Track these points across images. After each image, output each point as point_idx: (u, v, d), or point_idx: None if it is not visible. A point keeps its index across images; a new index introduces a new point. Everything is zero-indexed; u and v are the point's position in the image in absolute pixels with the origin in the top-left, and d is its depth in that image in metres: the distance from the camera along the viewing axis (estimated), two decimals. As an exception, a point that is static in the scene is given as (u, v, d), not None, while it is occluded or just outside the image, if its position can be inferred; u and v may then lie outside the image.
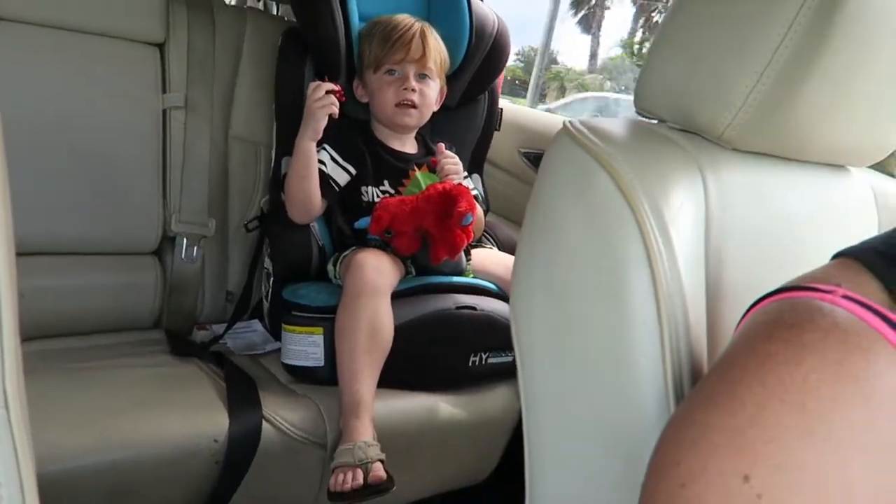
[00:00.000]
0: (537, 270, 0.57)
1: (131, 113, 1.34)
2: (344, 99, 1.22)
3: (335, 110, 1.20)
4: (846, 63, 0.54)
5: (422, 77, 1.28)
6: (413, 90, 1.27)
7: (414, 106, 1.27)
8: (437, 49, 1.30)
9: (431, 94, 1.30)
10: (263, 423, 1.02)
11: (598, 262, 0.51)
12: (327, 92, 1.20)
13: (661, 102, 0.62)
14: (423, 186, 1.27)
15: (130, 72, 1.34)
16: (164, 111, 1.37)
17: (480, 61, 1.43)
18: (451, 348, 1.18)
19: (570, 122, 0.60)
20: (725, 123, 0.57)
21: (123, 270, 1.35)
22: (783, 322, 0.39)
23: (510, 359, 1.15)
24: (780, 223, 0.59)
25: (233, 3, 2.33)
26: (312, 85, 1.22)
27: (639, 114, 0.67)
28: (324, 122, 1.20)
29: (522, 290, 0.59)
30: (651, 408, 0.48)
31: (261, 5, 2.18)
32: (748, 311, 0.45)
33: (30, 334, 1.27)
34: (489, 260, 1.31)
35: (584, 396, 0.52)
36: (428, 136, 1.41)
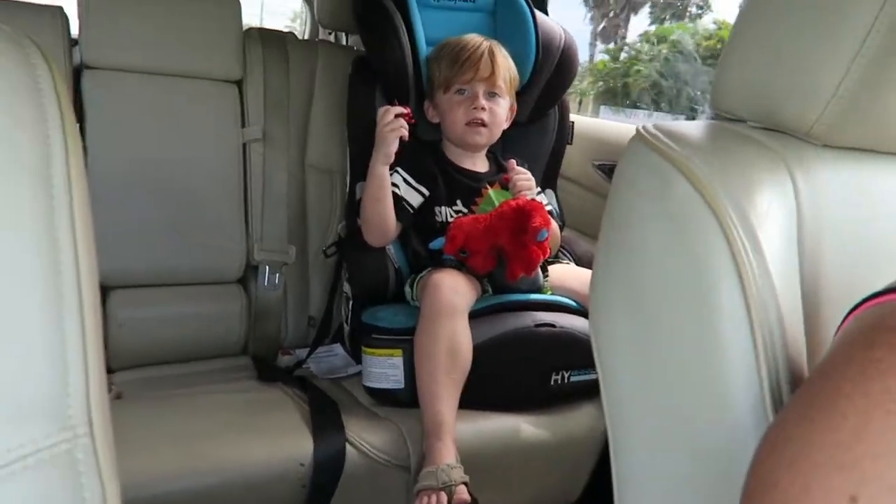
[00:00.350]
0: (616, 284, 0.55)
1: (214, 148, 1.40)
2: (413, 122, 1.23)
3: (405, 133, 1.21)
4: None
5: (491, 95, 1.28)
6: (483, 109, 1.26)
7: (484, 124, 1.27)
8: (505, 67, 1.29)
9: (501, 112, 1.30)
10: (347, 446, 1.03)
11: (681, 272, 0.49)
12: (396, 116, 1.21)
13: (741, 101, 0.59)
14: (496, 204, 1.26)
15: (212, 109, 1.41)
16: (244, 145, 1.43)
17: (549, 75, 1.41)
18: (532, 367, 1.15)
19: (643, 127, 0.58)
20: (814, 118, 0.53)
21: (211, 299, 1.40)
22: (885, 325, 0.36)
23: (594, 377, 1.12)
24: (880, 222, 0.55)
25: (306, 37, 2.42)
26: (381, 110, 1.23)
27: (716, 116, 0.64)
28: (395, 147, 1.21)
29: (601, 306, 0.57)
30: (747, 422, 0.45)
31: (332, 38, 2.25)
32: (847, 315, 0.42)
33: (128, 363, 1.34)
34: (567, 275, 1.28)
35: (674, 413, 0.49)
36: (499, 153, 1.40)
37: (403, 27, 1.33)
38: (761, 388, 0.44)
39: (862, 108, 0.52)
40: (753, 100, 0.58)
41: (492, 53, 1.27)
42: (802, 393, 0.38)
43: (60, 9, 1.33)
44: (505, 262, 1.16)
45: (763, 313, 0.45)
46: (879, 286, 0.41)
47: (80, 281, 0.36)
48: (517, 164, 1.37)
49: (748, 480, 0.37)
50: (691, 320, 0.48)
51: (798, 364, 0.47)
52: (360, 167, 1.36)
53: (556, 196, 1.50)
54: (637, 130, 0.58)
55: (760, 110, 0.57)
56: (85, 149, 1.33)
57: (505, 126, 1.34)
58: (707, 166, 0.50)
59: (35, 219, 0.35)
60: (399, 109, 1.21)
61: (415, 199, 1.26)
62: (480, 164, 1.34)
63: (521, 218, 1.13)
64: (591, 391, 1.19)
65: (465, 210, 1.28)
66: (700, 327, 0.47)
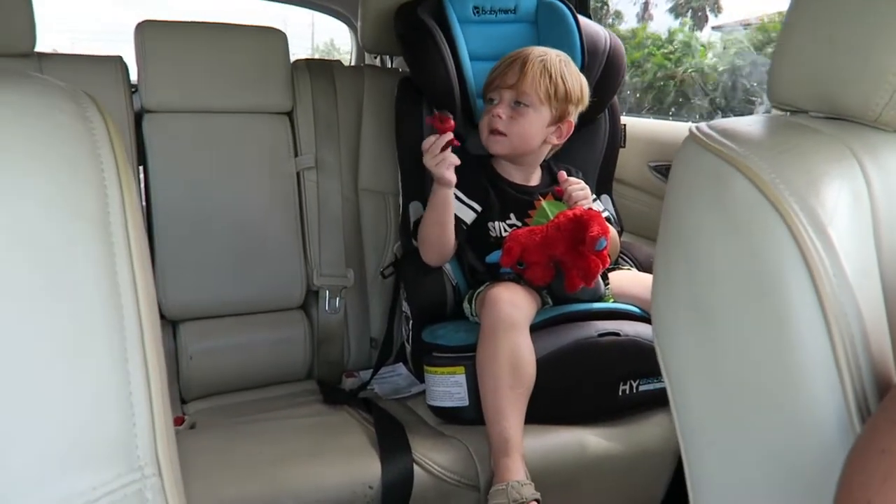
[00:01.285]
0: (678, 291, 0.52)
1: (269, 179, 1.44)
2: (458, 144, 1.17)
3: (455, 162, 1.16)
4: None
5: (517, 104, 1.23)
6: (499, 117, 1.22)
7: (500, 133, 1.23)
8: (539, 78, 1.22)
9: (526, 122, 1.23)
10: (415, 467, 1.02)
11: (746, 275, 0.46)
12: (442, 148, 1.15)
13: (800, 91, 0.56)
14: (550, 215, 1.24)
15: (265, 141, 1.44)
16: (298, 173, 1.46)
17: (596, 80, 1.39)
18: (598, 378, 1.13)
19: (696, 126, 0.56)
20: (882, 104, 0.50)
21: (275, 326, 1.43)
22: None
23: (664, 385, 1.08)
24: None
25: (352, 63, 2.47)
26: (425, 142, 1.17)
27: (775, 108, 0.62)
28: (449, 174, 1.16)
29: (664, 313, 0.54)
30: (831, 430, 0.42)
31: (377, 61, 2.28)
32: None
33: (199, 393, 1.37)
34: (628, 282, 1.25)
35: (748, 423, 0.47)
36: (553, 163, 1.38)
37: (446, 44, 1.33)
38: (845, 398, 0.42)
39: None
40: (813, 88, 0.55)
41: (525, 62, 1.22)
42: (893, 398, 0.35)
43: (120, 58, 1.40)
44: (564, 272, 1.14)
45: (841, 316, 0.42)
46: None
47: (143, 324, 0.37)
48: (570, 173, 1.35)
49: (839, 494, 0.35)
50: (762, 330, 0.45)
51: (884, 367, 0.43)
52: (411, 187, 1.37)
53: (613, 201, 1.47)
54: (690, 131, 0.56)
55: (822, 99, 0.55)
56: (148, 189, 1.39)
57: (554, 141, 1.29)
58: (767, 163, 0.48)
59: (97, 266, 0.36)
60: (443, 139, 1.15)
61: (467, 216, 1.26)
62: (533, 178, 1.32)
63: (579, 228, 1.11)
64: (661, 400, 1.14)
65: (519, 223, 1.26)
66: (772, 337, 0.44)
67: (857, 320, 0.43)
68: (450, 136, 1.16)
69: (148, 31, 1.37)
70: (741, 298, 0.47)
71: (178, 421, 1.25)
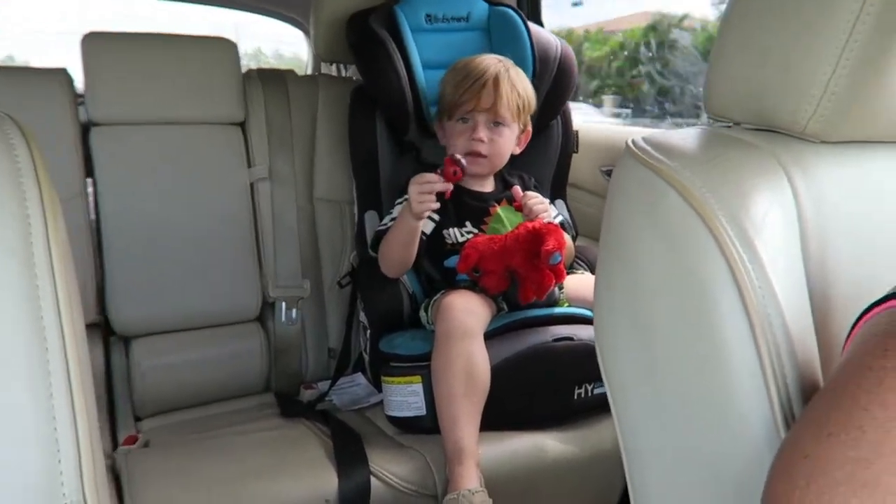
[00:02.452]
0: (617, 299, 0.54)
1: (222, 191, 1.42)
2: (449, 197, 1.17)
3: (434, 206, 1.15)
4: None
5: (494, 125, 1.25)
6: (482, 141, 1.24)
7: (482, 155, 1.25)
8: (510, 95, 1.24)
9: (504, 141, 1.26)
10: (372, 478, 1.02)
11: (679, 287, 0.47)
12: (438, 193, 1.14)
13: (732, 104, 0.58)
14: (506, 221, 1.25)
15: (217, 153, 1.43)
16: (251, 184, 1.44)
17: (548, 87, 1.41)
18: (554, 383, 1.14)
19: (632, 140, 0.57)
20: (808, 115, 0.52)
21: (231, 340, 1.41)
22: None
23: (617, 388, 1.10)
24: (885, 216, 0.53)
25: (309, 71, 2.45)
26: (424, 176, 1.15)
27: (710, 118, 0.63)
28: (427, 207, 1.15)
29: (605, 322, 0.55)
30: (759, 436, 0.44)
31: (333, 69, 2.27)
32: (857, 321, 0.40)
33: (153, 410, 1.35)
34: (583, 285, 1.26)
35: (683, 430, 0.48)
36: (506, 169, 1.39)
37: (398, 53, 1.33)
38: (771, 405, 0.43)
39: (856, 101, 0.50)
40: (745, 101, 0.57)
41: (496, 81, 1.22)
42: (817, 405, 0.37)
43: (65, 70, 1.36)
44: (518, 283, 1.15)
45: (766, 325, 0.44)
46: (890, 281, 0.39)
47: (69, 360, 0.36)
48: (525, 180, 1.37)
49: (765, 497, 0.36)
50: (693, 339, 0.46)
51: (810, 374, 0.45)
52: (366, 196, 1.37)
53: (567, 205, 1.48)
54: (627, 145, 0.57)
55: (753, 112, 0.56)
56: (97, 203, 1.36)
57: (515, 151, 1.31)
58: (698, 176, 0.49)
59: (21, 303, 0.35)
60: (441, 187, 1.14)
61: (427, 227, 1.26)
62: (487, 185, 1.33)
63: (536, 241, 1.12)
64: (616, 403, 1.17)
65: (475, 231, 1.27)
66: (702, 345, 0.46)
67: (783, 329, 0.44)
68: (450, 187, 1.15)
69: (94, 43, 1.34)
70: (675, 308, 0.48)
71: (132, 440, 1.22)
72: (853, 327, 0.40)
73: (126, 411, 1.33)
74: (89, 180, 1.37)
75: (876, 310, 0.39)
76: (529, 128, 1.32)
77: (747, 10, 0.56)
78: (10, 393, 0.34)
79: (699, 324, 0.46)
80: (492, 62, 1.26)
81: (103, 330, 1.35)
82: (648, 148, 0.54)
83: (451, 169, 1.14)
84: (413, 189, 1.15)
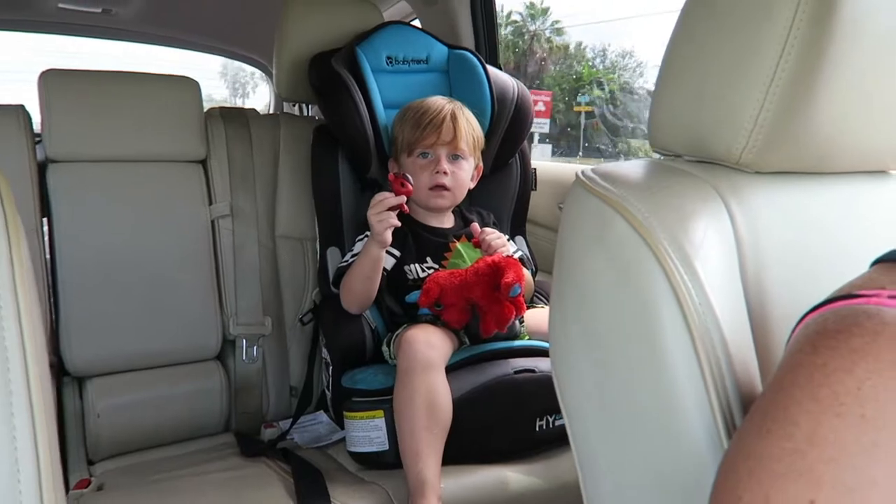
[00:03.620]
0: (570, 324, 0.56)
1: (182, 228, 1.41)
2: (406, 210, 1.19)
3: (395, 223, 1.18)
4: (857, 65, 0.52)
5: (454, 158, 1.30)
6: (445, 173, 1.28)
7: (447, 188, 1.29)
8: (468, 129, 1.30)
9: (464, 174, 1.31)
10: (333, 515, 1.01)
11: (626, 307, 0.50)
12: (391, 208, 1.17)
13: (674, 137, 0.62)
14: (465, 256, 1.28)
15: (178, 190, 1.42)
16: (212, 221, 1.44)
17: (506, 127, 1.45)
18: (515, 415, 1.15)
19: (582, 171, 0.60)
20: (740, 148, 0.55)
21: (190, 379, 1.39)
22: (828, 331, 0.37)
23: (577, 418, 1.11)
24: (816, 237, 0.57)
25: (271, 110, 2.48)
26: (378, 196, 1.19)
27: (654, 151, 0.67)
28: (387, 234, 1.18)
29: (559, 345, 0.57)
30: (703, 447, 0.46)
31: (296, 110, 2.30)
32: (794, 329, 0.43)
33: (108, 453, 1.31)
34: (543, 319, 1.26)
35: (634, 445, 0.50)
36: (465, 206, 1.42)
37: (360, 94, 1.36)
38: (714, 416, 0.45)
39: (784, 134, 0.54)
40: (685, 135, 0.60)
41: (454, 117, 1.29)
42: (757, 407, 0.39)
43: (22, 107, 1.35)
44: (479, 316, 1.17)
45: (707, 339, 0.46)
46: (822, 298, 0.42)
47: (31, 385, 0.36)
48: (484, 217, 1.40)
49: (713, 497, 0.38)
50: (640, 356, 0.49)
51: (749, 386, 0.48)
52: (329, 233, 1.38)
53: (527, 241, 1.52)
54: (577, 175, 0.60)
55: (692, 144, 0.60)
56: (52, 241, 1.34)
57: (471, 186, 1.35)
58: (643, 204, 0.52)
59: None
60: (394, 201, 1.17)
61: (388, 262, 1.27)
62: (446, 220, 1.36)
63: (495, 274, 1.14)
64: (577, 434, 1.18)
65: (436, 266, 1.29)
66: (649, 362, 0.48)
67: (722, 343, 0.47)
68: (403, 199, 1.18)
69: (52, 80, 1.34)
70: (624, 330, 0.50)
71: (84, 483, 1.18)
72: (791, 335, 0.43)
73: (79, 454, 1.29)
74: (44, 220, 1.35)
75: (808, 316, 0.41)
76: (481, 164, 1.37)
77: (684, 49, 0.60)
78: None
79: (645, 341, 0.48)
80: (443, 101, 1.32)
81: (56, 370, 1.32)
82: (597, 178, 0.57)
83: (398, 182, 1.18)
84: (371, 213, 1.18)
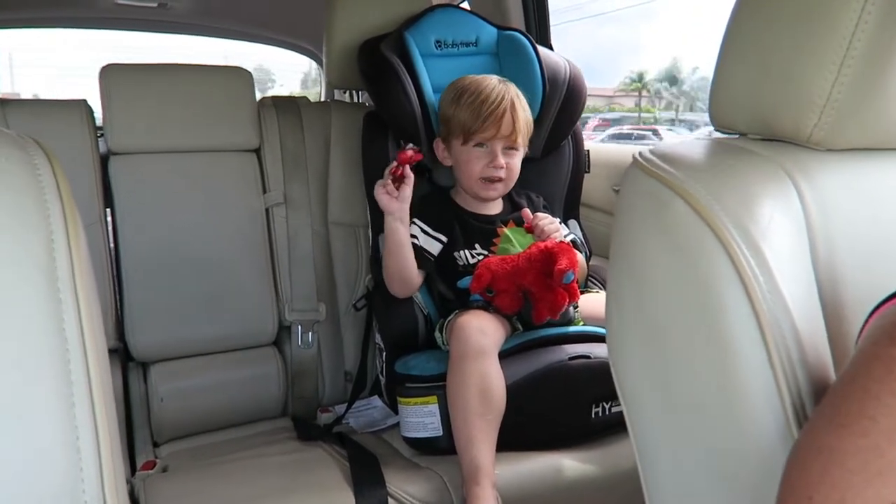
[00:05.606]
0: (628, 310, 0.54)
1: (238, 217, 1.44)
2: (399, 173, 1.21)
3: (388, 185, 1.20)
4: None
5: (508, 149, 1.27)
6: (501, 167, 1.26)
7: (500, 180, 1.27)
8: (524, 120, 1.27)
9: (516, 165, 1.29)
10: (389, 499, 1.02)
11: (687, 293, 0.48)
12: (394, 173, 1.20)
13: (737, 115, 0.59)
14: (514, 242, 1.26)
15: (233, 179, 1.45)
16: (267, 210, 1.47)
17: (558, 109, 1.42)
18: (570, 401, 1.13)
19: (639, 153, 0.58)
20: (811, 125, 0.52)
21: (248, 364, 1.43)
22: None
23: (634, 406, 1.09)
24: (890, 218, 0.53)
25: (322, 98, 2.50)
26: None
27: (717, 130, 0.64)
28: (387, 200, 1.20)
29: (616, 332, 0.56)
30: (772, 438, 0.44)
31: (347, 97, 2.31)
32: (869, 317, 0.40)
33: (171, 435, 1.36)
34: (597, 304, 1.26)
35: (697, 434, 0.48)
36: (515, 189, 1.40)
37: (409, 79, 1.35)
38: (783, 405, 0.43)
39: (858, 109, 0.51)
40: (749, 112, 0.57)
41: (514, 108, 1.25)
42: (829, 399, 0.37)
43: (84, 101, 1.40)
44: (531, 303, 1.15)
45: (776, 328, 0.44)
46: None
47: (90, 372, 0.37)
48: (534, 200, 1.38)
49: (781, 493, 0.36)
50: (703, 344, 0.46)
51: (822, 375, 0.45)
52: (380, 220, 1.38)
53: (580, 225, 1.49)
54: (633, 157, 0.58)
55: (757, 122, 0.57)
56: (116, 232, 1.38)
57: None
58: (703, 185, 0.50)
59: (42, 313, 0.36)
60: (392, 166, 1.20)
61: (434, 248, 1.27)
62: (493, 207, 1.34)
63: (548, 260, 1.13)
64: (634, 421, 1.15)
65: (485, 252, 1.28)
66: (712, 350, 0.46)
67: (791, 330, 0.44)
68: (393, 165, 1.20)
69: (112, 75, 1.38)
70: (685, 315, 0.48)
71: (150, 465, 1.22)
72: (864, 324, 0.41)
73: (144, 437, 1.34)
74: (108, 210, 1.40)
75: (886, 305, 0.39)
76: (527, 149, 1.34)
77: (749, 23, 0.57)
78: (32, 403, 0.35)
79: (709, 329, 0.46)
80: (500, 86, 1.27)
81: (121, 356, 1.37)
82: (655, 159, 0.54)
83: (406, 156, 1.20)
84: (375, 190, 1.21)
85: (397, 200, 1.21)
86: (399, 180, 1.21)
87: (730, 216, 0.47)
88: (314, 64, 2.70)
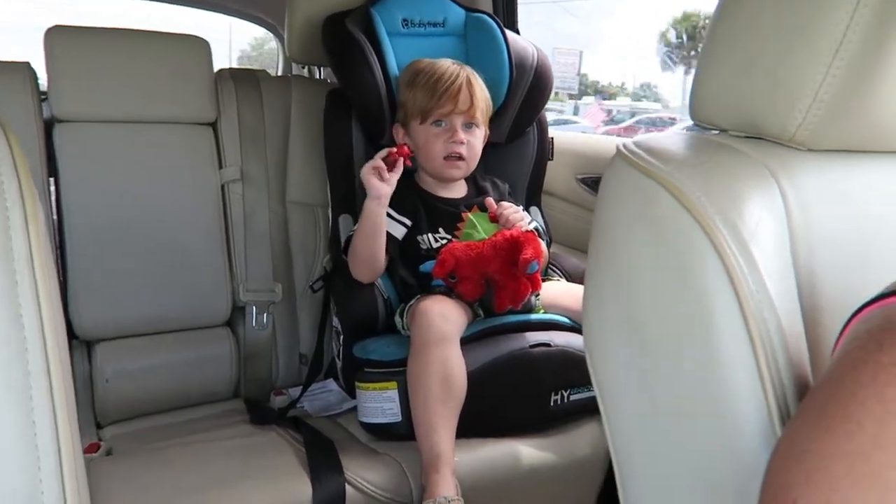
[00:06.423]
0: (608, 305, 0.53)
1: (192, 192, 1.38)
2: (395, 158, 1.19)
3: (380, 165, 1.18)
4: None
5: (468, 126, 1.27)
6: (462, 142, 1.25)
7: (462, 158, 1.26)
8: (482, 97, 1.27)
9: (478, 143, 1.28)
10: (347, 486, 1.00)
11: (673, 289, 0.47)
12: (385, 159, 1.18)
13: (720, 111, 0.58)
14: (478, 227, 1.25)
15: (187, 153, 1.39)
16: (223, 186, 1.41)
17: (524, 95, 1.41)
18: (530, 389, 1.13)
19: (624, 144, 0.57)
20: (796, 124, 0.52)
21: (199, 345, 1.38)
22: (894, 328, 0.35)
23: (594, 394, 1.10)
24: (870, 220, 0.54)
25: (279, 73, 2.42)
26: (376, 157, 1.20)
27: (697, 126, 0.64)
28: (374, 182, 1.17)
29: (595, 327, 0.55)
30: (754, 435, 0.44)
31: (305, 72, 2.24)
32: (850, 320, 0.40)
33: (116, 417, 1.30)
34: (558, 293, 1.27)
35: (677, 431, 0.48)
36: (480, 174, 1.39)
37: (374, 56, 1.32)
38: (768, 406, 0.43)
39: (844, 111, 0.51)
40: (732, 109, 0.57)
41: (470, 84, 1.25)
42: (813, 401, 0.37)
43: (27, 64, 1.32)
44: (494, 291, 1.15)
45: (763, 328, 0.44)
46: (877, 288, 0.40)
47: (49, 362, 0.34)
48: (499, 186, 1.37)
49: (763, 496, 0.36)
50: (689, 342, 0.46)
51: (803, 375, 0.45)
52: (341, 199, 1.35)
53: (542, 212, 1.49)
54: (617, 148, 0.57)
55: (740, 119, 0.57)
56: (59, 202, 1.31)
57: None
58: (691, 180, 0.49)
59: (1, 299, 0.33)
60: (386, 151, 1.19)
61: (398, 231, 1.25)
62: (458, 190, 1.33)
63: (513, 249, 1.12)
64: (592, 408, 1.17)
65: (449, 237, 1.26)
66: (698, 348, 0.45)
67: (778, 330, 0.44)
68: (392, 149, 1.19)
69: (58, 37, 1.30)
70: (669, 313, 0.48)
71: (93, 448, 1.17)
72: (845, 326, 0.41)
73: (87, 418, 1.28)
74: (51, 180, 1.32)
75: (869, 308, 0.39)
76: (488, 131, 1.34)
77: (735, 17, 0.56)
78: None
79: (695, 326, 0.46)
80: (455, 66, 1.28)
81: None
82: (640, 152, 0.54)
83: (406, 150, 1.20)
84: (364, 170, 1.18)
85: (387, 184, 1.18)
86: (391, 165, 1.18)
87: (719, 213, 0.47)
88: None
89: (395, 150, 1.20)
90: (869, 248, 0.53)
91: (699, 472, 0.47)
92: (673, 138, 0.57)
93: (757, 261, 0.45)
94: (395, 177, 1.19)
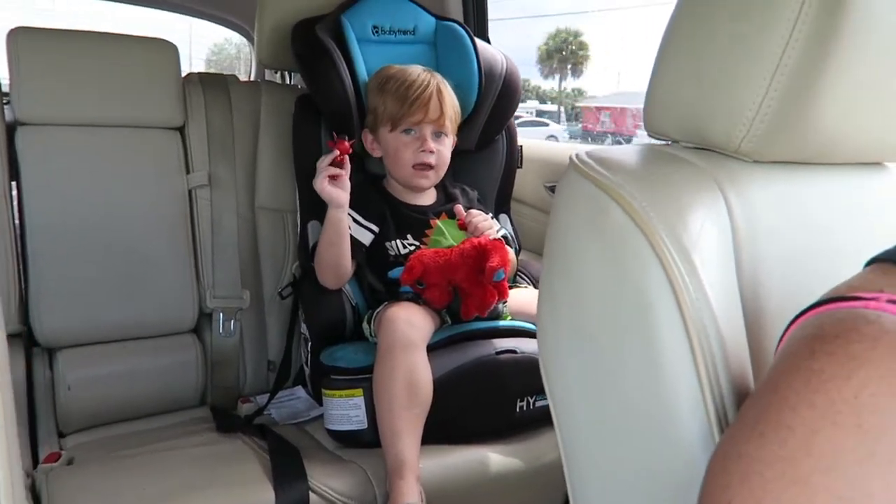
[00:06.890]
0: (560, 312, 0.54)
1: (158, 197, 1.37)
2: (342, 160, 1.18)
3: (334, 172, 1.17)
4: (865, 53, 0.50)
5: (437, 135, 1.27)
6: (432, 152, 1.25)
7: (431, 167, 1.26)
8: (451, 105, 1.28)
9: (446, 151, 1.29)
10: (311, 494, 1.00)
11: (619, 298, 0.48)
12: (332, 163, 1.17)
13: (671, 122, 0.60)
14: (447, 234, 1.26)
15: (154, 157, 1.38)
16: (190, 191, 1.40)
17: (493, 103, 1.42)
18: (496, 395, 1.14)
19: (576, 155, 0.58)
20: (741, 136, 0.54)
21: (165, 352, 1.36)
22: (825, 335, 0.36)
23: (558, 400, 1.11)
24: (812, 231, 0.55)
25: (252, 77, 2.41)
26: (320, 161, 1.19)
27: (650, 136, 0.65)
28: (330, 190, 1.17)
29: (548, 333, 0.56)
30: (695, 444, 0.45)
31: (277, 77, 2.23)
32: (788, 327, 0.42)
33: (79, 426, 1.28)
34: (525, 300, 1.27)
35: (624, 438, 0.49)
36: (449, 181, 1.40)
37: (344, 63, 1.32)
38: (706, 413, 0.44)
39: (787, 123, 0.52)
40: (682, 121, 0.58)
41: (440, 92, 1.25)
42: (750, 406, 0.38)
43: None
44: (461, 298, 1.15)
45: (703, 335, 0.45)
46: (818, 295, 0.41)
47: None
48: (469, 193, 1.38)
49: (701, 497, 0.37)
50: (633, 349, 0.47)
51: (743, 383, 0.46)
52: (310, 206, 1.35)
53: (511, 220, 1.50)
54: (571, 159, 0.58)
55: (690, 130, 0.58)
56: (21, 207, 1.29)
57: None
58: (639, 192, 0.50)
59: None
60: (332, 156, 1.17)
61: (365, 238, 1.25)
62: (427, 197, 1.33)
63: (481, 257, 1.13)
64: (557, 415, 1.18)
65: (417, 243, 1.27)
66: (642, 355, 0.46)
67: (718, 339, 0.45)
68: (336, 153, 1.17)
69: (22, 39, 1.28)
70: (616, 321, 0.49)
71: (54, 457, 1.15)
72: (784, 333, 0.42)
73: (48, 427, 1.26)
74: (13, 184, 1.30)
75: (803, 317, 0.40)
76: (455, 139, 1.34)
77: (684, 32, 0.58)
78: None
79: (639, 334, 0.47)
80: (425, 73, 1.28)
81: (25, 340, 1.28)
82: (592, 163, 0.55)
83: (331, 143, 1.18)
84: (317, 183, 1.17)
85: (343, 190, 1.18)
86: (339, 166, 1.18)
87: (663, 223, 0.48)
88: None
89: (336, 152, 1.18)
90: (814, 258, 0.54)
91: (644, 479, 0.48)
92: (625, 150, 0.59)
93: (698, 269, 0.46)
94: (346, 177, 1.19)
